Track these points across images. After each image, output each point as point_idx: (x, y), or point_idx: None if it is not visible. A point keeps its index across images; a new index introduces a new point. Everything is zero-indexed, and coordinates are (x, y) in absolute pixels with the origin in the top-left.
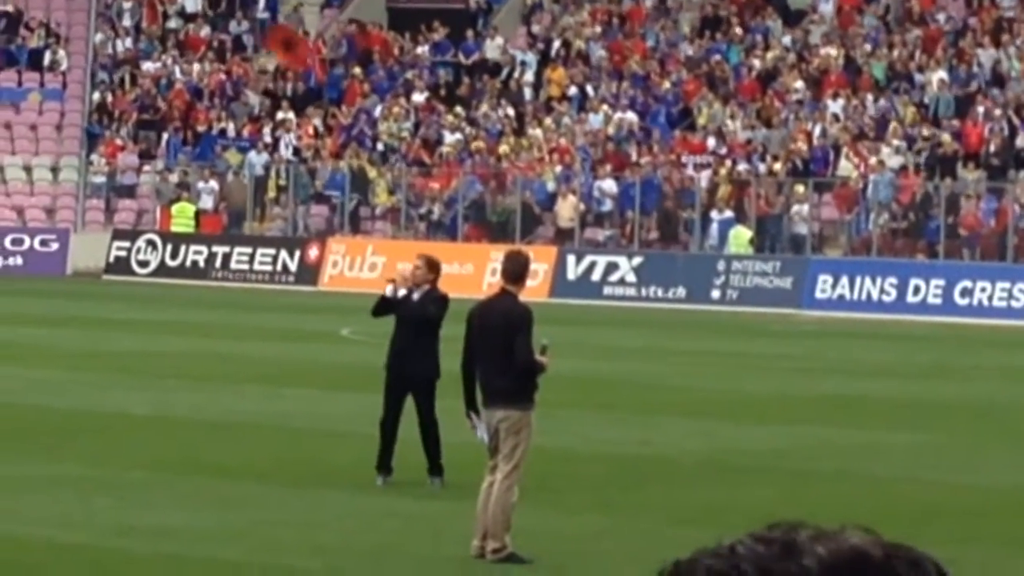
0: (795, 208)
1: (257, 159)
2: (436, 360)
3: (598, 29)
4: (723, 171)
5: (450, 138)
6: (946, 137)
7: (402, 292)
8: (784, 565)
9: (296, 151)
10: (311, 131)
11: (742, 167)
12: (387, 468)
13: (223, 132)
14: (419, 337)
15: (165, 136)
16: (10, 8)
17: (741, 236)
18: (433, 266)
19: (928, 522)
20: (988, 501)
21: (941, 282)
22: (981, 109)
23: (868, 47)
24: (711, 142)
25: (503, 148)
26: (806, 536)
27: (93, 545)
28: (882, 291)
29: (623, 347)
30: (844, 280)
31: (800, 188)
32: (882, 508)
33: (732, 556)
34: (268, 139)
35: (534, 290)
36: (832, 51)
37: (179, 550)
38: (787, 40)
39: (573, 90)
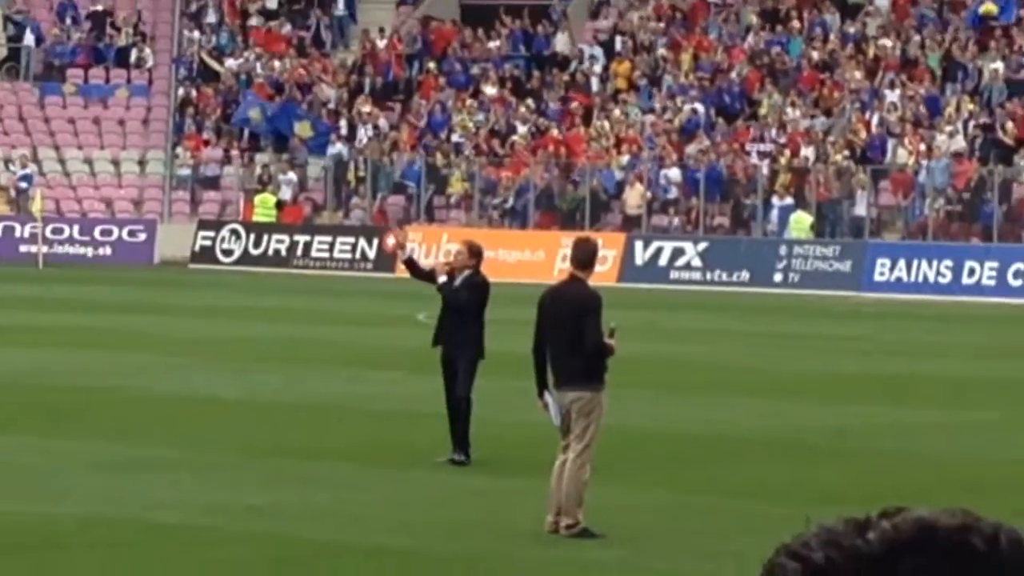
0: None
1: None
2: (475, 343)
3: (662, 24)
4: (784, 159)
5: (521, 129)
6: (1000, 124)
7: (443, 278)
8: (851, 540)
9: (370, 142)
10: (388, 123)
11: (803, 154)
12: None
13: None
14: (458, 321)
15: (245, 130)
16: (99, 7)
17: (802, 221)
18: (474, 251)
19: (991, 497)
20: None
21: (995, 264)
22: None
23: (922, 38)
24: (773, 131)
25: (572, 138)
26: (879, 513)
27: (184, 524)
28: (938, 273)
29: (689, 329)
30: (901, 263)
31: (859, 175)
32: (944, 485)
33: (806, 533)
34: (345, 131)
35: (603, 275)
36: (888, 42)
37: (267, 528)
38: (845, 32)
39: (644, 81)
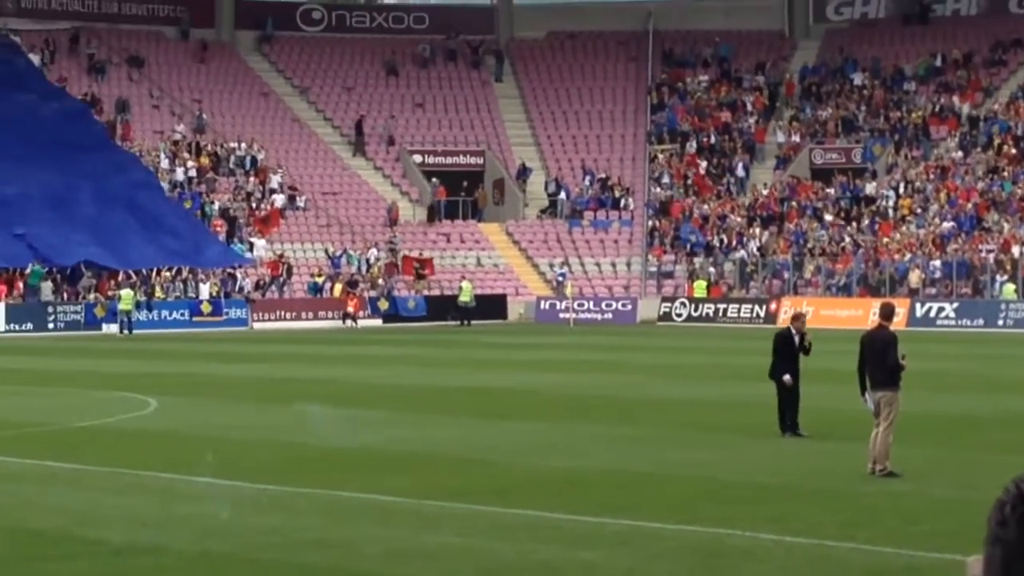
0: None
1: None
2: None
3: (927, 176)
4: (1003, 254)
5: (847, 239)
6: None
7: (798, 340)
8: None
9: (760, 249)
10: (769, 237)
11: (1014, 250)
12: (788, 426)
13: (722, 242)
14: (797, 360)
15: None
16: (603, 175)
17: (1008, 289)
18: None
19: None
20: None
21: None
22: None
23: None
24: (994, 237)
25: (879, 243)
26: None
27: (655, 472)
28: None
29: (948, 354)
30: None
31: None
32: None
33: None
34: (744, 243)
35: (897, 324)
36: None
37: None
38: None
39: (919, 210)
